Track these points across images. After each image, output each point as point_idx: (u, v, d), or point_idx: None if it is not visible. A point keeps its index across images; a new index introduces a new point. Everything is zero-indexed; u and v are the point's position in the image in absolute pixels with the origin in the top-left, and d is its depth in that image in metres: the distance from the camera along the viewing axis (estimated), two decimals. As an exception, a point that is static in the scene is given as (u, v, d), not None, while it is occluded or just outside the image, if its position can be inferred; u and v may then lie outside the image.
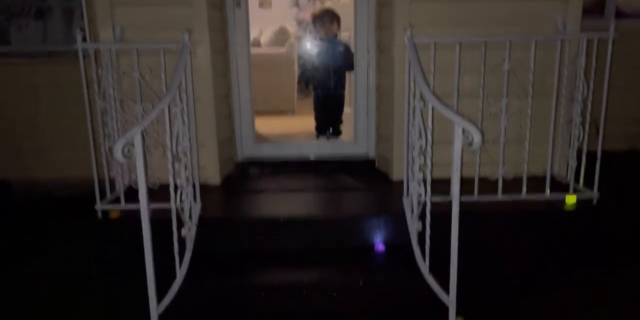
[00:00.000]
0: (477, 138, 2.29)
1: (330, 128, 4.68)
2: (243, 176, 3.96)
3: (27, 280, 3.25)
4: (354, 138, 4.15)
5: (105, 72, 3.09)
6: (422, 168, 2.69)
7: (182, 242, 2.65)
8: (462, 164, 2.40)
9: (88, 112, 3.01)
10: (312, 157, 4.14)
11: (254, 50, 4.19)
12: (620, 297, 2.91)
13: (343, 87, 4.64)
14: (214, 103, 3.55)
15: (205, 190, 3.25)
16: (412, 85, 2.89)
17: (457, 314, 2.49)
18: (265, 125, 4.90)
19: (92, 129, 3.06)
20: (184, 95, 2.79)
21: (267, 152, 4.16)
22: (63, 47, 4.45)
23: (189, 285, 2.63)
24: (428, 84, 2.72)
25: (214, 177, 3.64)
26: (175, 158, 2.58)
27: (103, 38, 3.35)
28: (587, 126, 3.13)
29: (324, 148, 4.23)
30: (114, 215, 3.03)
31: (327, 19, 4.57)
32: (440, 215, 2.54)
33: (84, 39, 2.99)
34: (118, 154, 2.20)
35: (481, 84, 3.11)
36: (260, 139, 4.39)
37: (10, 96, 4.41)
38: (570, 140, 3.23)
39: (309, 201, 3.47)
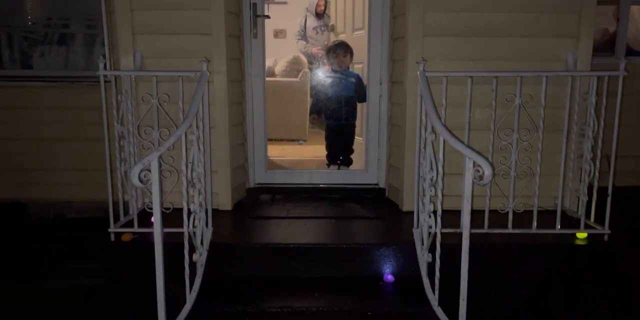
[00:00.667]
0: (487, 172, 2.33)
1: (341, 158, 4.72)
2: (254, 202, 3.99)
3: (40, 298, 3.29)
4: (364, 167, 4.19)
5: (125, 98, 3.18)
6: (432, 199, 2.71)
7: (192, 267, 2.67)
8: (472, 196, 2.42)
9: (106, 136, 3.08)
10: (323, 185, 4.18)
11: (268, 80, 4.28)
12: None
13: (354, 118, 4.71)
14: (229, 131, 3.62)
15: (217, 215, 3.28)
16: (423, 117, 2.94)
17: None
18: (278, 152, 4.96)
19: (109, 153, 3.12)
20: (200, 123, 2.86)
21: (279, 179, 4.20)
22: (83, 73, 4.58)
23: (198, 311, 2.65)
24: (439, 117, 2.76)
25: (225, 203, 3.68)
26: (190, 184, 2.63)
27: (124, 65, 3.45)
28: (597, 162, 3.15)
29: (335, 176, 4.27)
30: (126, 238, 3.06)
31: (340, 51, 4.67)
32: (450, 246, 2.56)
33: (105, 66, 3.08)
34: (135, 179, 2.25)
35: (492, 118, 3.15)
36: (272, 166, 4.44)
37: (29, 118, 4.52)
38: (581, 175, 3.25)
39: (319, 229, 3.49)
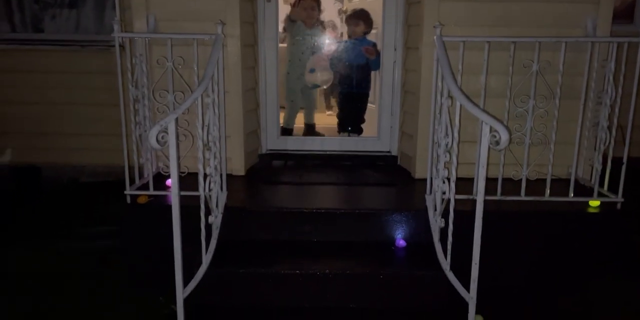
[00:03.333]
0: (504, 137, 2.31)
1: (349, 128, 4.70)
2: (267, 168, 4.01)
3: (57, 259, 3.36)
4: (377, 135, 4.18)
5: (139, 61, 3.16)
6: (446, 165, 2.71)
7: (208, 229, 2.71)
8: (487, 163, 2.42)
9: (122, 100, 3.08)
10: (335, 152, 4.18)
11: (281, 46, 4.23)
12: (635, 301, 2.92)
13: (368, 86, 4.65)
14: (242, 96, 3.61)
15: (230, 180, 3.30)
16: (439, 83, 2.92)
17: (476, 313, 2.52)
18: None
19: (125, 117, 3.13)
20: (215, 87, 2.85)
21: (291, 145, 4.21)
22: (95, 37, 4.56)
23: (214, 272, 2.69)
24: (456, 82, 2.73)
25: (238, 168, 3.70)
26: (206, 147, 2.64)
27: (137, 28, 3.42)
28: (613, 130, 3.12)
29: (347, 144, 4.27)
30: (141, 200, 3.10)
31: (353, 21, 4.58)
32: (463, 213, 2.58)
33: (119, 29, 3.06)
34: (153, 140, 2.26)
35: (508, 85, 3.12)
36: (284, 132, 4.44)
37: (41, 83, 4.52)
38: (595, 143, 3.23)
39: (332, 195, 3.52)
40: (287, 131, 4.65)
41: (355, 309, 2.72)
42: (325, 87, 5.01)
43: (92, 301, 2.94)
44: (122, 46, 3.12)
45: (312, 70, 4.72)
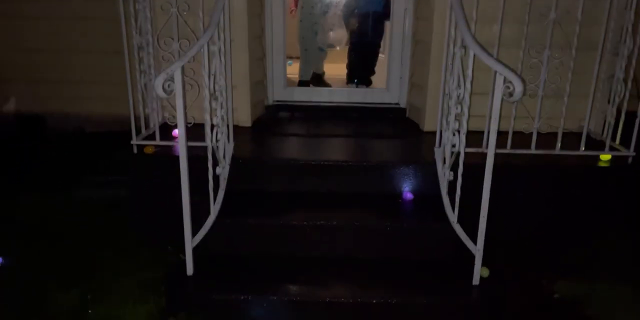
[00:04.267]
0: (518, 88, 2.26)
1: (356, 80, 4.60)
2: (273, 120, 3.97)
3: (64, 207, 3.39)
4: (386, 86, 4.11)
5: (142, 7, 3.06)
6: (457, 117, 2.66)
7: (215, 180, 2.70)
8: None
9: (126, 47, 2.99)
10: (342, 104, 4.12)
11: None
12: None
13: (380, 36, 4.53)
14: (248, 44, 3.52)
15: (237, 131, 3.26)
16: (452, 31, 2.82)
17: (482, 265, 2.54)
18: (296, 70, 4.84)
19: (129, 65, 3.05)
20: (222, 34, 2.76)
21: (298, 96, 4.15)
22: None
23: (222, 222, 2.71)
24: (470, 30, 2.64)
25: (245, 119, 3.66)
26: (212, 96, 2.59)
27: (140, -28, 3.29)
28: (629, 83, 3.04)
29: (355, 95, 4.20)
30: (148, 150, 3.08)
31: None
32: (472, 166, 2.54)
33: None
34: (159, 89, 2.22)
35: (524, 34, 3.01)
36: (290, 83, 4.37)
37: (44, 29, 4.41)
38: (610, 96, 3.16)
39: (339, 147, 3.49)
40: (303, 83, 4.57)
41: (363, 259, 2.74)
42: (339, 48, 4.88)
43: (100, 250, 2.98)
44: (124, -9, 3.00)
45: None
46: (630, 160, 3.10)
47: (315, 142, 3.54)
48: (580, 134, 3.17)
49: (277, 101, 4.10)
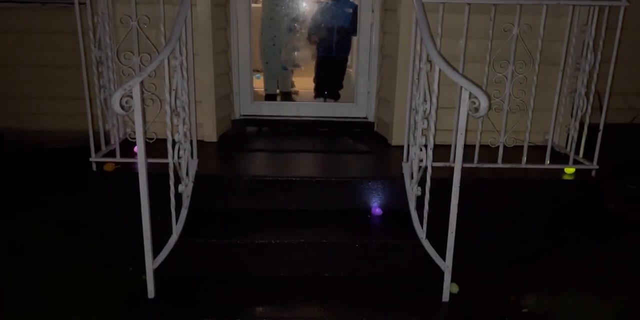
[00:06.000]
0: (484, 103, 2.25)
1: (326, 92, 4.58)
2: (240, 134, 3.90)
3: (23, 228, 3.25)
4: (354, 100, 4.09)
5: (101, 20, 2.98)
6: (424, 132, 2.65)
7: (178, 198, 2.62)
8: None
9: (84, 62, 2.90)
10: (310, 118, 4.08)
11: (254, 6, 4.05)
12: (609, 264, 2.95)
13: (347, 51, 4.53)
14: (213, 59, 3.46)
15: (202, 147, 3.20)
16: (418, 46, 2.82)
17: (452, 280, 2.51)
18: (262, 84, 4.79)
19: (87, 80, 2.96)
20: (183, 49, 2.70)
21: (265, 110, 4.10)
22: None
23: (185, 242, 2.62)
24: (435, 45, 2.64)
25: (210, 134, 3.59)
26: (174, 112, 2.51)
27: (99, -15, 3.21)
28: (591, 97, 3.09)
29: (323, 109, 4.17)
30: (108, 168, 2.98)
31: None
32: (440, 180, 2.53)
33: (79, -15, 2.85)
34: (116, 105, 2.14)
35: (488, 49, 3.04)
36: (257, 97, 4.31)
37: (1, 43, 4.26)
38: (572, 110, 3.20)
39: (307, 162, 3.44)
40: (270, 97, 4.52)
41: (331, 278, 2.69)
42: (302, 67, 4.86)
43: (61, 272, 2.84)
44: (82, 3, 2.92)
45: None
46: (593, 173, 3.13)
47: (283, 158, 3.49)
48: (545, 147, 3.19)
49: (244, 115, 4.04)
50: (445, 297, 2.52)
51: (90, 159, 2.96)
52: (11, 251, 3.03)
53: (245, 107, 4.03)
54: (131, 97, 2.19)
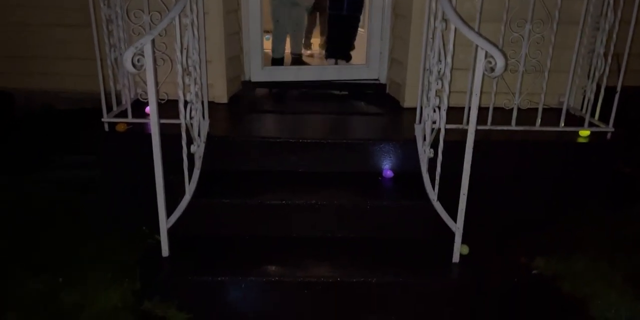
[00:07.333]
0: (500, 63, 2.20)
1: (336, 54, 4.48)
2: (250, 96, 3.88)
3: (35, 188, 3.28)
4: (366, 62, 4.02)
5: (110, -23, 2.92)
6: (438, 93, 2.60)
7: (190, 158, 2.62)
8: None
9: (93, 20, 2.85)
10: (321, 80, 4.03)
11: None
12: (620, 230, 2.95)
13: (359, 10, 4.41)
14: (223, 18, 3.39)
15: (213, 108, 3.17)
16: (433, 4, 2.74)
17: (462, 243, 2.52)
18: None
19: (97, 38, 2.92)
20: (194, 6, 2.64)
21: (276, 72, 4.04)
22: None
23: (197, 202, 2.64)
24: (451, 3, 2.57)
25: (221, 95, 3.56)
26: (185, 71, 2.48)
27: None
28: (609, 58, 3.01)
29: (335, 72, 4.11)
30: (120, 128, 2.97)
31: None
32: (452, 143, 2.50)
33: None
34: (128, 64, 2.11)
35: (505, 7, 2.95)
36: (268, 59, 4.26)
37: (8, 2, 4.20)
38: (589, 71, 3.13)
39: (318, 124, 3.43)
40: (277, 61, 4.43)
41: (343, 239, 2.71)
42: (308, 5, 4.72)
43: (74, 232, 2.89)
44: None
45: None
46: (609, 136, 3.09)
47: (294, 120, 3.47)
48: (560, 110, 3.15)
49: (255, 77, 4.00)
50: (456, 258, 2.53)
51: (102, 119, 2.95)
52: (24, 211, 3.07)
53: (255, 68, 3.97)
54: (143, 55, 2.16)
